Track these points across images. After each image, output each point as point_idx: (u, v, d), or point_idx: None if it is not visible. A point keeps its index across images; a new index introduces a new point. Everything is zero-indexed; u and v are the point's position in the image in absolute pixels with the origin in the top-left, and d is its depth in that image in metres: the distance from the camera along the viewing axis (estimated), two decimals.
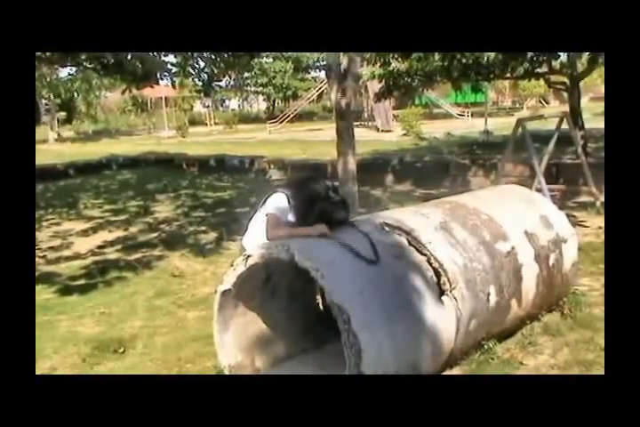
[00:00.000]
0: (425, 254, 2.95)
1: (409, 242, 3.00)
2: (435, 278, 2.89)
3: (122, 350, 3.85)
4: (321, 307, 3.51)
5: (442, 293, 2.88)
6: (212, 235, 7.02)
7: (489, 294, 3.15)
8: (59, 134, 25.55)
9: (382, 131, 21.98)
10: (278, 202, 3.15)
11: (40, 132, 25.22)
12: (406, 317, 2.72)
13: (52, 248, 6.84)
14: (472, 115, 25.21)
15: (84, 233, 7.63)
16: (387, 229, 3.08)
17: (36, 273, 5.80)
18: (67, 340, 4.10)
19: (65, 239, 7.29)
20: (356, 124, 8.17)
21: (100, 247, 6.78)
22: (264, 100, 37.99)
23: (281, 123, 26.73)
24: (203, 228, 7.46)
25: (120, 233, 7.51)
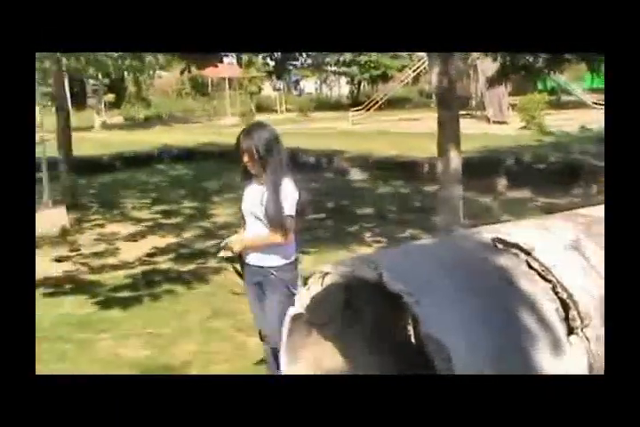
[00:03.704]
0: (550, 281, 2.88)
1: (529, 264, 2.94)
2: (561, 312, 2.82)
3: None
4: (412, 339, 3.51)
5: (570, 331, 2.80)
6: None
7: None
8: (105, 121, 26.99)
9: (495, 122, 21.62)
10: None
11: (85, 117, 26.92)
12: (520, 359, 2.67)
13: (95, 254, 7.22)
14: None
15: (132, 238, 8.02)
16: (499, 246, 3.04)
17: (77, 283, 6.17)
18: (107, 363, 4.30)
19: (111, 244, 7.67)
20: (462, 113, 8.06)
21: (149, 255, 7.09)
22: (347, 82, 38.39)
23: (367, 111, 26.90)
24: None
25: (172, 239, 7.84)
